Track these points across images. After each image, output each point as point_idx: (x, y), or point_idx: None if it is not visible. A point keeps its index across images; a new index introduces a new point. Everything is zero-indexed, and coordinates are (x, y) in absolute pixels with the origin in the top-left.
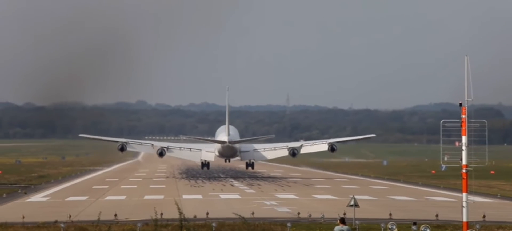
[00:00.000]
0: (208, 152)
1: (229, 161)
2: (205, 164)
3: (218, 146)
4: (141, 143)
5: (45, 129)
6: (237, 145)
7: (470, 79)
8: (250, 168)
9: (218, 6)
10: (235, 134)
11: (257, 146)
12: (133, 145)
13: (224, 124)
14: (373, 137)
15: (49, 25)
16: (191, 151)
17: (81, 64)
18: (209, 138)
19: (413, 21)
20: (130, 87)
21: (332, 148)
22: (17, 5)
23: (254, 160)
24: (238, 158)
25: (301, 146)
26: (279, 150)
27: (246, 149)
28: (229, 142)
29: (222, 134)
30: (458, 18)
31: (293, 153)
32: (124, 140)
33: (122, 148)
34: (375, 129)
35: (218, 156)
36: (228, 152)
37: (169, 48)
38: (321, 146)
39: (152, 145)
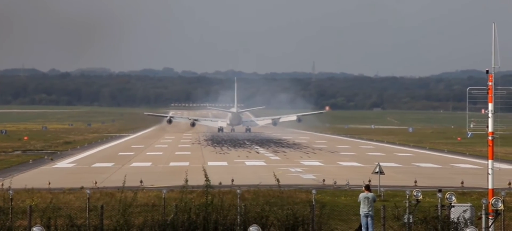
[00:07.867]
0: (222, 122)
1: (234, 130)
2: (220, 129)
3: (229, 115)
4: (181, 116)
5: (71, 96)
6: (241, 115)
7: (497, 46)
8: (248, 131)
9: None
10: (239, 108)
11: (254, 118)
12: (176, 118)
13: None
14: (328, 111)
15: None
16: (211, 121)
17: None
18: (224, 110)
19: None
20: (157, 55)
21: (299, 119)
22: None
23: (251, 126)
24: (241, 126)
25: (280, 118)
26: (266, 120)
27: (246, 120)
28: (237, 111)
29: (232, 108)
30: None
31: (275, 123)
32: (171, 115)
33: (170, 121)
34: (401, 96)
35: (228, 124)
36: (235, 119)
37: (195, 16)
38: (292, 117)
39: (188, 118)
